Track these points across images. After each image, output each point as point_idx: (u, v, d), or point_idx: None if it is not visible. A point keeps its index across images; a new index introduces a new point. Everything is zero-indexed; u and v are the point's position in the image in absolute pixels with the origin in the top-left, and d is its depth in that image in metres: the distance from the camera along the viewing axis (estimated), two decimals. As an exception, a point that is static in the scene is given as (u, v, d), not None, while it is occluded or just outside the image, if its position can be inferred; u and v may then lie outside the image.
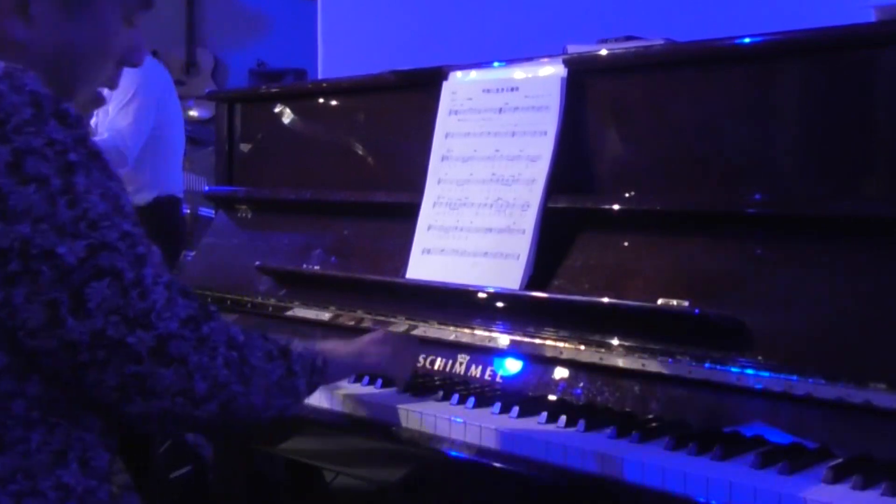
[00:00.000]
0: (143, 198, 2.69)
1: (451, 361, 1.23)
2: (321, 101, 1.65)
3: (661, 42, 1.33)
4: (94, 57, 0.88)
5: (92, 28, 0.87)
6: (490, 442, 1.03)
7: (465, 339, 1.24)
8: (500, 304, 1.24)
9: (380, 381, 1.21)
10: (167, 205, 2.75)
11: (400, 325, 1.32)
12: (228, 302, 1.54)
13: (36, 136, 0.74)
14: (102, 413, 0.83)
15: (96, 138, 2.40)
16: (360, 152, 1.57)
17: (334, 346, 1.07)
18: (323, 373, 0.98)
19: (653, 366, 1.06)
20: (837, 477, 0.85)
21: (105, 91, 0.93)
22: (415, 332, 1.28)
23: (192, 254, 1.95)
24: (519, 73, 1.32)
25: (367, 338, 1.14)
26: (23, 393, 0.77)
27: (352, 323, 1.37)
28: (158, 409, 0.80)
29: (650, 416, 1.05)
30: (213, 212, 1.89)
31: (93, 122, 2.58)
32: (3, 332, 0.75)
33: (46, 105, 0.76)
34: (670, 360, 1.05)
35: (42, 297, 0.74)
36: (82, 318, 0.75)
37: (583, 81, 1.26)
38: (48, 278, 0.74)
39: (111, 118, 2.60)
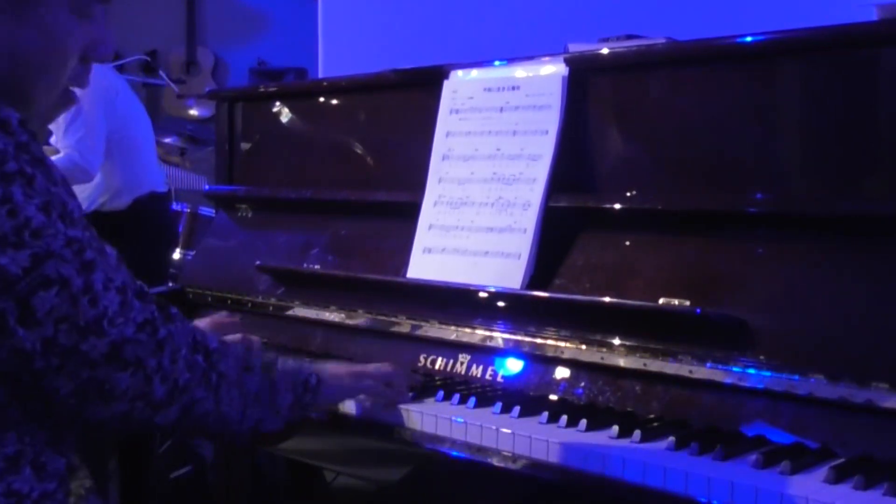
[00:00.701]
0: (120, 202, 2.64)
1: (451, 361, 1.23)
2: (322, 100, 1.65)
3: (663, 41, 1.33)
4: (50, 58, 0.83)
5: (41, 29, 0.81)
6: (491, 442, 1.03)
7: (465, 339, 1.24)
8: (501, 304, 1.24)
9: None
10: (148, 203, 2.69)
11: (401, 325, 1.31)
12: (229, 301, 1.54)
13: None
14: (59, 418, 0.81)
15: (54, 158, 2.37)
16: (361, 151, 1.56)
17: (332, 367, 1.06)
18: (316, 392, 0.97)
19: (654, 365, 1.06)
20: (839, 477, 0.84)
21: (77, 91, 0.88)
22: (416, 332, 1.28)
23: (192, 253, 1.94)
24: (520, 71, 1.32)
25: (367, 366, 1.13)
26: None
27: (352, 322, 1.37)
28: (119, 412, 0.79)
29: (652, 416, 1.04)
30: (213, 211, 1.89)
31: (52, 139, 2.55)
32: None
33: None
34: (672, 359, 1.05)
35: None
36: (32, 327, 0.74)
37: (584, 80, 1.26)
38: None
39: (63, 135, 2.53)
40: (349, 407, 1.17)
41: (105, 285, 0.77)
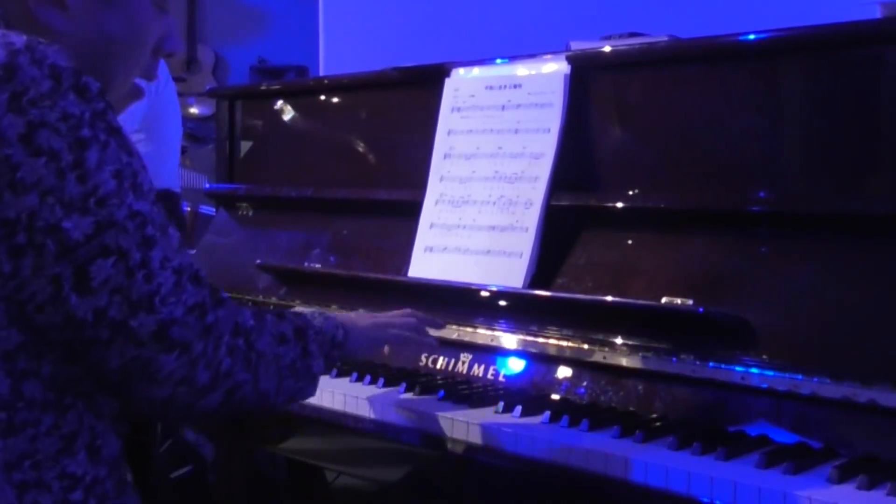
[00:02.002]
0: None
1: (453, 360, 1.23)
2: (322, 98, 1.65)
3: (665, 39, 1.32)
4: (131, 47, 0.87)
5: (127, 16, 0.85)
6: (492, 441, 1.03)
7: (467, 338, 1.23)
8: (502, 303, 1.23)
9: (382, 381, 1.20)
10: (163, 198, 2.71)
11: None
12: (229, 300, 1.53)
13: (51, 110, 0.73)
14: (115, 395, 0.82)
15: None
16: (362, 150, 1.56)
17: (357, 318, 1.05)
18: (343, 346, 0.96)
19: (656, 365, 1.05)
20: (843, 477, 0.84)
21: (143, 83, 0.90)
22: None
23: (193, 252, 1.94)
24: (522, 69, 1.32)
25: (390, 313, 1.11)
26: (37, 373, 0.77)
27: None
28: (161, 396, 0.79)
29: (654, 416, 1.04)
30: (214, 210, 1.89)
31: None
32: (16, 309, 0.75)
33: (66, 78, 0.75)
34: (674, 359, 1.04)
35: (47, 271, 0.74)
36: (85, 295, 0.74)
37: (586, 78, 1.26)
38: (53, 253, 0.73)
39: None
40: (350, 406, 1.17)
41: (162, 263, 0.77)
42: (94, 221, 0.74)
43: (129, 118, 2.59)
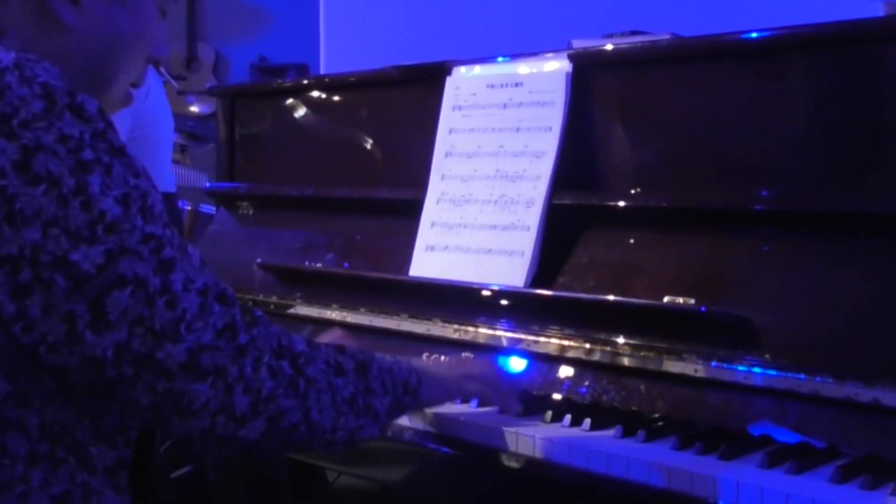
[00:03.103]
0: None
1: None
2: (323, 96, 1.64)
3: (667, 37, 1.32)
4: (136, 46, 0.84)
5: (135, 15, 0.83)
6: (494, 441, 1.02)
7: (468, 338, 1.23)
8: (504, 302, 1.23)
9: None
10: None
11: (403, 323, 1.31)
12: (230, 299, 1.53)
13: (47, 132, 0.68)
14: (118, 444, 0.76)
15: None
16: (363, 148, 1.56)
17: (433, 366, 0.98)
18: (416, 392, 0.89)
19: (659, 364, 1.05)
20: (845, 476, 0.84)
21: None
22: (418, 331, 1.27)
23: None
24: (523, 68, 1.31)
25: (465, 362, 1.06)
26: (21, 425, 0.70)
27: (354, 321, 1.37)
28: (199, 428, 0.73)
29: (656, 416, 1.04)
30: (214, 208, 1.88)
31: None
32: (8, 353, 0.69)
33: (59, 98, 0.70)
34: (676, 358, 1.04)
35: (58, 309, 0.68)
36: (103, 332, 0.68)
37: (588, 77, 1.25)
38: (63, 289, 0.67)
39: None
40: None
41: (185, 286, 0.71)
42: (105, 250, 0.68)
43: (117, 125, 2.57)
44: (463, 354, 1.10)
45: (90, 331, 0.69)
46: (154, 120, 2.72)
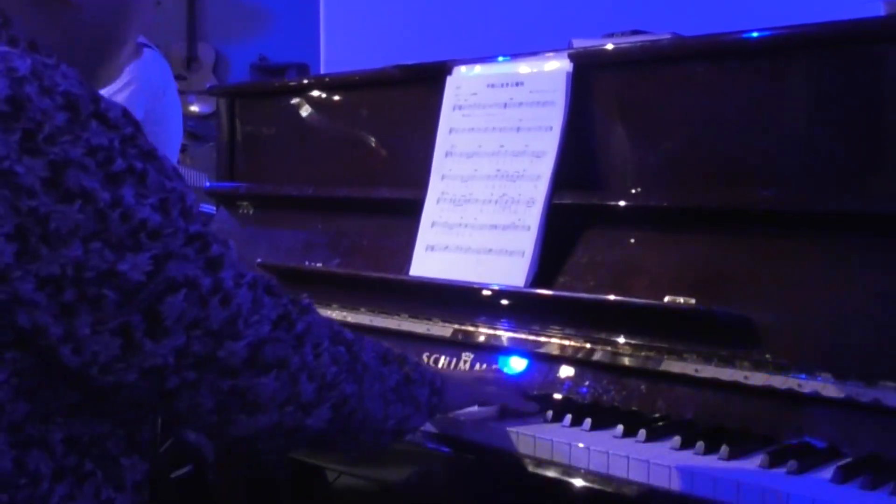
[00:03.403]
0: None
1: (455, 360, 1.22)
2: (323, 96, 1.64)
3: (668, 36, 1.32)
4: (140, 9, 0.80)
5: None
6: (495, 441, 1.02)
7: (469, 338, 1.23)
8: (504, 302, 1.23)
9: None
10: None
11: (404, 323, 1.31)
12: (230, 299, 1.53)
13: (74, 145, 0.65)
14: (150, 456, 0.75)
15: None
16: (363, 148, 1.56)
17: (449, 372, 0.98)
18: (441, 394, 0.88)
19: (659, 364, 1.05)
20: (846, 477, 0.84)
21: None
22: (418, 331, 1.27)
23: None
24: (524, 67, 1.31)
25: (476, 372, 1.06)
26: (44, 442, 0.68)
27: (354, 320, 1.36)
28: (266, 423, 0.72)
29: (657, 415, 1.04)
30: (214, 208, 1.88)
31: None
32: (26, 373, 0.66)
33: (83, 106, 0.66)
34: (677, 358, 1.04)
35: (110, 323, 0.65)
36: (161, 338, 0.67)
37: (588, 76, 1.25)
38: (114, 301, 0.65)
39: None
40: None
41: (236, 282, 0.70)
42: (152, 256, 0.66)
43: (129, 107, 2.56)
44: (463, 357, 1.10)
45: (148, 339, 0.67)
46: (165, 117, 2.72)
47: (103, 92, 0.76)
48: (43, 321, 0.65)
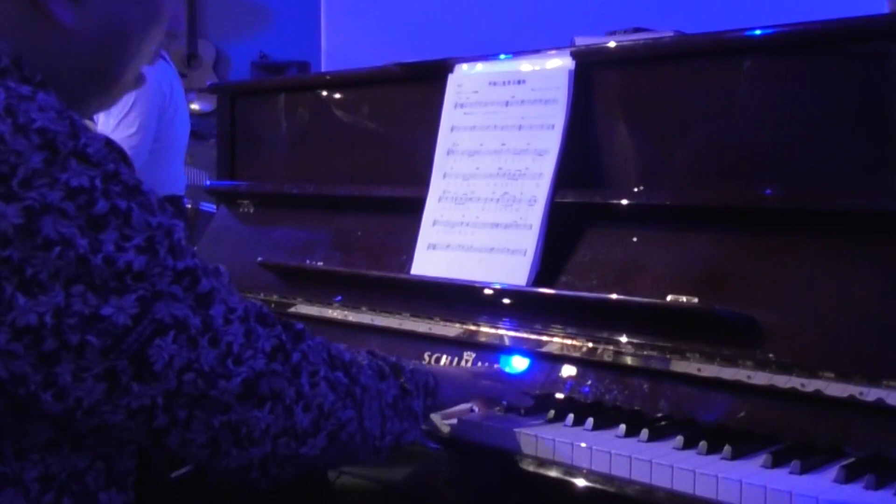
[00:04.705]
0: None
1: (456, 359, 1.22)
2: (325, 94, 1.64)
3: (671, 34, 1.31)
4: (147, 28, 0.77)
5: (143, 3, 0.76)
6: (496, 441, 1.02)
7: (470, 337, 1.23)
8: (506, 301, 1.23)
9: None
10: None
11: (405, 322, 1.30)
12: (231, 297, 1.52)
13: (52, 189, 0.61)
14: (128, 485, 0.73)
15: None
16: (365, 146, 1.55)
17: (443, 369, 0.97)
18: (435, 394, 0.88)
19: (662, 363, 1.04)
20: (850, 476, 0.83)
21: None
22: (420, 330, 1.27)
23: (193, 250, 1.92)
24: (526, 65, 1.31)
25: (471, 368, 1.05)
26: (18, 481, 0.66)
27: (355, 320, 1.36)
28: (259, 454, 0.69)
29: (659, 415, 1.03)
30: (215, 207, 1.88)
31: (97, 122, 2.52)
32: (3, 416, 0.64)
33: (62, 145, 0.62)
34: (680, 357, 1.03)
35: (94, 370, 0.63)
36: (150, 382, 0.64)
37: (591, 74, 1.25)
38: (98, 348, 0.62)
39: (113, 130, 2.48)
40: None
41: (226, 318, 0.68)
42: (137, 298, 0.63)
43: (145, 112, 2.56)
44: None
45: (136, 382, 0.64)
46: (173, 120, 2.72)
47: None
48: (21, 370, 0.62)
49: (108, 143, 0.67)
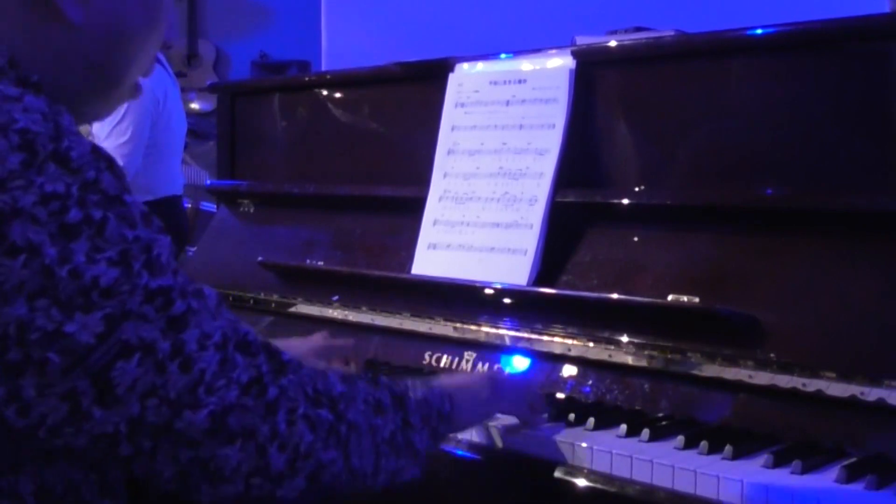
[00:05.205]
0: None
1: (457, 359, 1.22)
2: (325, 93, 1.63)
3: (672, 33, 1.31)
4: (148, 34, 0.76)
5: (146, 6, 0.75)
6: (497, 441, 1.02)
7: (471, 336, 1.22)
8: (507, 301, 1.22)
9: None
10: (164, 206, 2.64)
11: (406, 322, 1.30)
12: (231, 298, 1.52)
13: (25, 192, 0.59)
14: (119, 494, 0.72)
15: None
16: (365, 146, 1.55)
17: (463, 385, 0.91)
18: (450, 420, 0.83)
19: (663, 363, 1.04)
20: (851, 476, 0.83)
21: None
22: (420, 329, 1.27)
23: (193, 249, 1.93)
24: (526, 64, 1.30)
25: (490, 377, 1.02)
26: (14, 494, 0.64)
27: (356, 319, 1.36)
28: (232, 493, 0.66)
29: (660, 415, 1.03)
30: (215, 206, 1.88)
31: (92, 129, 2.51)
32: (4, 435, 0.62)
33: (41, 146, 0.60)
34: (681, 357, 1.03)
35: (56, 388, 0.60)
36: (112, 407, 0.61)
37: (592, 73, 1.24)
38: (59, 366, 0.60)
39: (105, 138, 2.47)
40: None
41: (200, 344, 0.64)
42: (104, 316, 0.60)
43: (138, 122, 2.56)
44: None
45: (98, 407, 0.61)
46: (168, 125, 2.72)
47: None
48: None
49: (95, 149, 0.65)
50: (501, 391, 0.97)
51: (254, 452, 0.65)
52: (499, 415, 1.01)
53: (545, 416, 1.02)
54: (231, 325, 0.67)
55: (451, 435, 0.92)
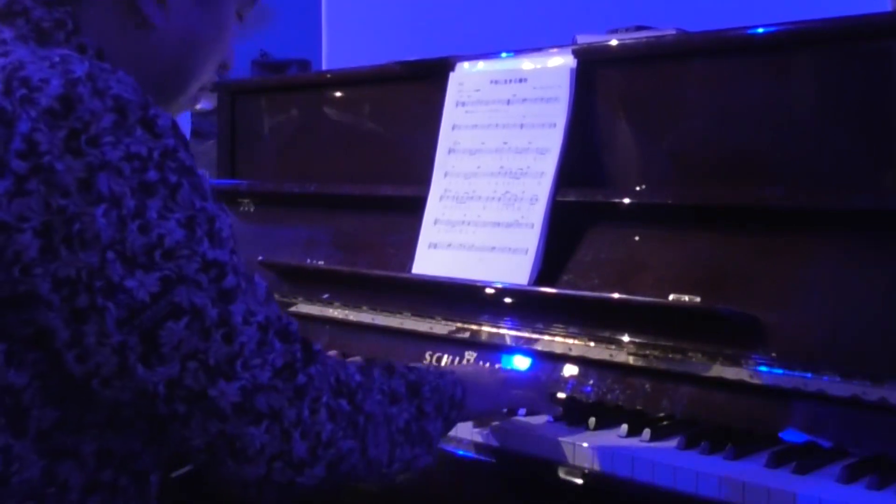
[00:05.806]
0: None
1: (457, 358, 1.22)
2: (325, 92, 1.63)
3: (673, 32, 1.31)
4: (213, 49, 0.82)
5: (217, 18, 0.81)
6: (497, 441, 1.02)
7: (472, 336, 1.22)
8: (507, 300, 1.22)
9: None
10: None
11: (406, 321, 1.30)
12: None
13: (114, 148, 0.65)
14: (165, 471, 0.75)
15: None
16: (366, 145, 1.55)
17: (475, 372, 0.95)
18: (462, 406, 0.85)
19: (664, 363, 1.04)
20: (852, 476, 0.83)
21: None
22: (420, 329, 1.27)
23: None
24: (527, 63, 1.30)
25: (501, 374, 1.03)
26: (76, 454, 0.68)
27: (356, 319, 1.36)
28: (254, 475, 0.69)
29: (661, 415, 1.03)
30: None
31: None
32: (55, 380, 0.66)
33: (132, 111, 0.66)
34: (682, 357, 1.03)
35: (111, 339, 0.65)
36: (155, 365, 0.65)
37: (593, 72, 1.24)
38: (115, 318, 0.64)
39: None
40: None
41: (245, 318, 0.68)
42: (161, 277, 0.65)
43: None
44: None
45: (141, 364, 0.65)
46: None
47: None
48: (54, 323, 0.65)
49: (175, 125, 0.70)
50: (510, 383, 1.00)
51: (278, 435, 0.68)
52: (505, 410, 1.01)
53: (559, 409, 1.02)
54: (275, 313, 0.71)
55: (450, 435, 0.94)
